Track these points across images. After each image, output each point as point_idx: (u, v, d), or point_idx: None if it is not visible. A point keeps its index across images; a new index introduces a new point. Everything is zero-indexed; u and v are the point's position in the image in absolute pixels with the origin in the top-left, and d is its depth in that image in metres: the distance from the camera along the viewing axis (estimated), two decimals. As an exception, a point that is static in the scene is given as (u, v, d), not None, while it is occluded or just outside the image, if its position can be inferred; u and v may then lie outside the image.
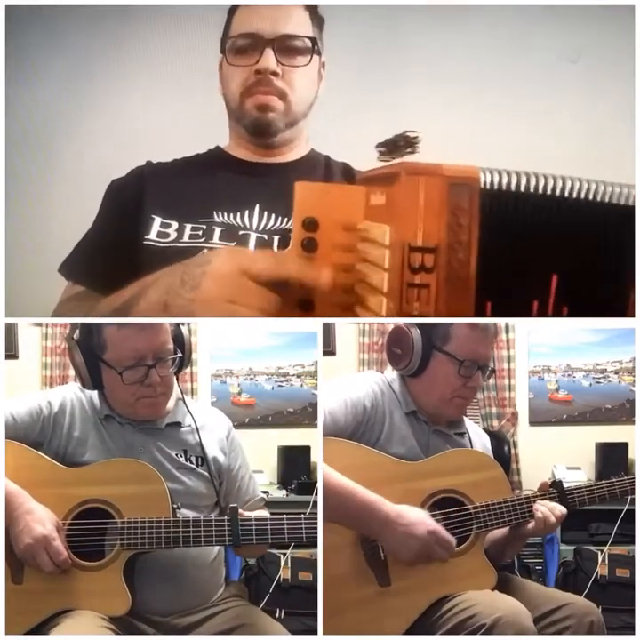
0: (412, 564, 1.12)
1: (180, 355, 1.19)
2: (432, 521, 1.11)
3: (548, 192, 0.89)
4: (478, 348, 1.22)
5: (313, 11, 1.40)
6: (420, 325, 1.23)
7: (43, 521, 1.09)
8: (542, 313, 0.89)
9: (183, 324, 1.22)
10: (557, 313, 0.89)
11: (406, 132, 0.97)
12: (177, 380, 1.25)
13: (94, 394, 1.22)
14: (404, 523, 1.10)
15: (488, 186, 0.87)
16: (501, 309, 0.89)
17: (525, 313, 0.89)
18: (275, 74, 1.32)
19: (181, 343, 1.20)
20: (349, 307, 0.99)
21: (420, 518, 1.11)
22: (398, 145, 0.97)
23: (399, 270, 0.87)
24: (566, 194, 0.89)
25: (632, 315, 0.91)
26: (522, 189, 0.88)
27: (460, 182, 0.86)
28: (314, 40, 1.37)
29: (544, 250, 0.89)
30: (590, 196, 0.89)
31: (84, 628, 1.05)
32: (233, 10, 1.39)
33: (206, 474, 1.22)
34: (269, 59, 1.32)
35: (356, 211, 0.98)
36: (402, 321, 1.24)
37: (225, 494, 1.25)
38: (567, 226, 0.89)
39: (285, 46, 1.33)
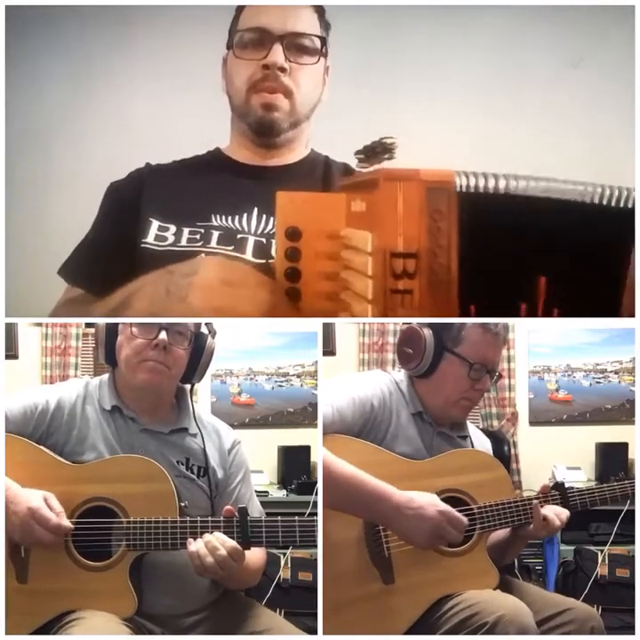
0: (426, 547, 1.12)
1: (194, 332, 1.17)
2: (442, 503, 1.12)
3: (526, 193, 0.88)
4: (489, 352, 1.23)
5: (321, 13, 1.40)
6: (431, 326, 1.23)
7: (24, 499, 1.05)
8: (530, 315, 0.89)
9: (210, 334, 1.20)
10: (547, 314, 0.89)
11: (383, 138, 0.96)
12: (191, 394, 1.25)
13: (102, 384, 1.21)
14: (414, 506, 1.10)
15: (463, 189, 0.86)
16: (485, 312, 0.89)
17: (510, 315, 0.90)
18: (282, 70, 1.31)
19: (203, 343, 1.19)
20: (335, 314, 1.00)
21: (429, 501, 1.11)
22: (376, 151, 0.97)
23: (382, 277, 0.87)
24: (551, 195, 0.88)
25: (631, 314, 0.91)
26: (500, 191, 0.87)
27: (436, 186, 0.86)
28: (322, 39, 1.36)
29: (524, 251, 0.88)
30: (569, 197, 0.89)
31: (103, 628, 1.03)
32: (241, 7, 1.38)
33: (205, 486, 1.19)
34: (278, 54, 1.30)
35: (337, 218, 0.99)
36: (408, 321, 1.24)
37: (217, 509, 1.19)
38: (547, 227, 0.89)
39: (294, 43, 1.32)
